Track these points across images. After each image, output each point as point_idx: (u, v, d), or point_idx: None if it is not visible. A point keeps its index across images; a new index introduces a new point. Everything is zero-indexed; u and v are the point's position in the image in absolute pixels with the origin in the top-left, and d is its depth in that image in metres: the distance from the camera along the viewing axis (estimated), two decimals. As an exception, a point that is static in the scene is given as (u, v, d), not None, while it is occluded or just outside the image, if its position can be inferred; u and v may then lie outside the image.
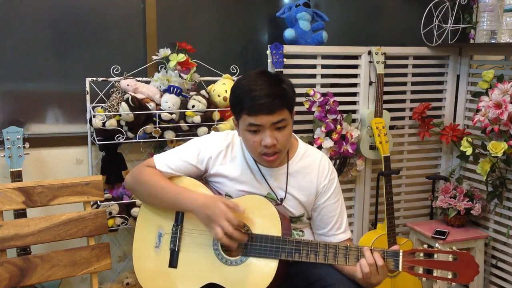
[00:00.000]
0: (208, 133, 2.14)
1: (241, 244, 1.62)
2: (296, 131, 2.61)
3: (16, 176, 2.17)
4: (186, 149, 1.77)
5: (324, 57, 2.65)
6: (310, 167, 1.75)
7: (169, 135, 2.35)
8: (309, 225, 1.83)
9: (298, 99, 2.55)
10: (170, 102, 2.28)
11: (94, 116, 2.23)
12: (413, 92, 2.89)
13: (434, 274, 1.48)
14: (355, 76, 2.74)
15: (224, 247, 1.64)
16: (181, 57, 2.35)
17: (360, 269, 1.51)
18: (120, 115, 2.23)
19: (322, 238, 1.78)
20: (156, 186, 1.69)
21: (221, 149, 1.74)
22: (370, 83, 2.73)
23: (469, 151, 2.59)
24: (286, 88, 1.61)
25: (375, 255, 1.50)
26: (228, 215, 1.53)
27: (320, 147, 2.50)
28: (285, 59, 2.49)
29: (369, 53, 2.69)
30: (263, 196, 1.70)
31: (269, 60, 2.51)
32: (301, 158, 1.76)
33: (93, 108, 2.31)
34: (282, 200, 1.72)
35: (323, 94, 2.53)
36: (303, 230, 1.81)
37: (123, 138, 2.26)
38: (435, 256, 1.49)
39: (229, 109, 2.40)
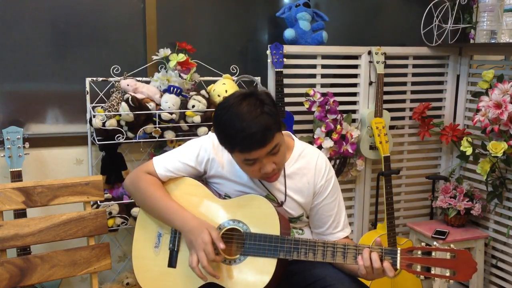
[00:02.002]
0: (208, 133, 2.14)
1: (240, 243, 1.62)
2: (296, 131, 2.61)
3: (16, 176, 2.17)
4: (185, 151, 1.76)
5: (324, 57, 2.65)
6: (307, 168, 1.73)
7: (169, 135, 2.35)
8: (309, 224, 1.83)
9: (298, 99, 2.57)
10: (170, 102, 2.29)
11: (94, 116, 2.23)
12: (413, 92, 2.89)
13: (432, 272, 1.48)
14: (355, 76, 2.74)
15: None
16: (181, 57, 2.35)
17: (359, 269, 1.52)
18: (120, 115, 2.23)
19: (319, 237, 1.78)
20: (151, 198, 1.70)
21: (219, 150, 1.73)
22: (370, 83, 2.73)
23: (469, 151, 2.59)
24: (270, 111, 1.53)
25: (373, 256, 1.50)
26: (207, 247, 1.54)
27: (320, 147, 2.50)
28: (285, 59, 2.49)
29: (369, 53, 2.69)
30: (263, 196, 1.70)
31: (269, 60, 2.51)
32: (297, 159, 1.74)
33: (93, 108, 2.31)
34: (282, 203, 1.72)
35: (323, 94, 2.53)
36: (303, 229, 1.81)
37: (123, 138, 2.26)
38: (433, 254, 1.49)
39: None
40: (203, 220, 1.64)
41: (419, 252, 1.49)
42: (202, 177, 1.80)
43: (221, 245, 1.56)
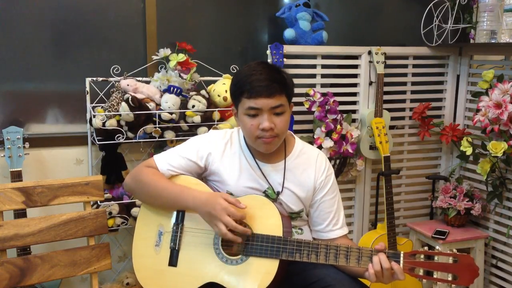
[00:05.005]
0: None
1: (243, 242, 1.62)
2: (296, 131, 2.61)
3: (16, 176, 2.17)
4: (186, 146, 1.78)
5: (324, 57, 2.65)
6: (307, 163, 1.77)
7: (169, 135, 2.35)
8: (308, 223, 1.84)
9: (298, 99, 2.56)
10: (170, 102, 2.29)
11: (94, 116, 2.23)
12: (413, 92, 2.89)
13: (434, 276, 1.48)
14: (355, 76, 2.74)
15: (225, 246, 1.65)
16: (181, 57, 2.35)
17: (368, 277, 1.53)
18: (120, 115, 2.23)
19: (319, 235, 1.79)
20: (156, 186, 1.70)
21: (220, 145, 1.76)
22: (370, 83, 2.73)
23: (469, 151, 2.59)
24: (285, 77, 1.66)
25: (381, 257, 1.50)
26: (230, 209, 1.55)
27: (320, 147, 2.50)
28: (285, 59, 2.49)
29: (369, 53, 2.69)
30: (263, 195, 1.71)
31: (269, 60, 2.51)
32: (298, 154, 1.78)
33: (93, 108, 2.31)
34: (278, 193, 1.73)
35: (323, 94, 2.53)
36: (302, 228, 1.81)
37: (123, 138, 2.26)
38: (436, 258, 1.49)
39: (229, 109, 2.43)
40: (212, 191, 1.67)
41: (422, 256, 1.50)
42: (202, 175, 1.81)
43: (242, 205, 1.58)
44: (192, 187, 1.72)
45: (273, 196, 1.73)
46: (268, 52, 2.49)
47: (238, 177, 1.74)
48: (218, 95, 2.41)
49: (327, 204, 1.77)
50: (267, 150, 1.70)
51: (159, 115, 2.28)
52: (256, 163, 1.74)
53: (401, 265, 1.50)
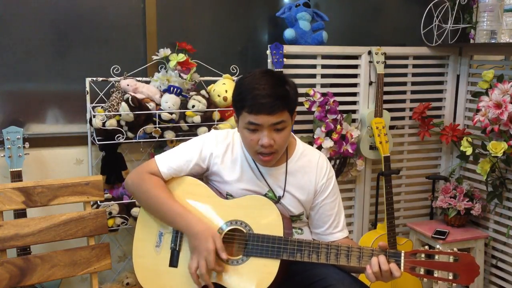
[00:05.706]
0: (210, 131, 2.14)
1: (242, 244, 1.62)
2: (296, 131, 2.61)
3: (16, 176, 2.17)
4: (188, 147, 1.77)
5: (324, 57, 2.65)
6: (309, 166, 1.76)
7: (169, 135, 2.35)
8: (308, 224, 1.84)
9: (298, 99, 2.56)
10: (170, 102, 2.29)
11: (94, 116, 2.23)
12: (413, 92, 2.89)
13: (435, 275, 1.48)
14: (355, 76, 2.74)
15: (225, 246, 1.64)
16: (181, 57, 2.35)
17: (367, 277, 1.52)
18: (120, 115, 2.23)
19: (319, 237, 1.79)
20: (155, 200, 1.69)
21: (221, 147, 1.75)
22: (370, 83, 2.73)
23: (469, 151, 2.59)
24: (289, 90, 1.61)
25: (381, 259, 1.50)
26: (209, 257, 1.55)
27: (320, 147, 2.50)
28: (285, 59, 2.49)
29: (369, 53, 2.69)
30: (264, 195, 1.71)
31: (269, 60, 2.51)
32: (299, 157, 1.77)
33: (93, 108, 2.31)
34: (280, 198, 1.73)
35: (323, 94, 2.53)
36: (302, 229, 1.81)
37: (123, 138, 2.26)
38: (436, 257, 1.49)
39: (229, 109, 2.43)
40: (208, 225, 1.64)
41: (422, 255, 1.50)
42: (203, 175, 1.80)
43: (224, 256, 1.57)
44: (192, 189, 1.73)
45: (274, 199, 1.73)
46: (268, 52, 2.49)
47: (239, 179, 1.73)
48: (218, 95, 2.41)
49: (328, 207, 1.77)
50: (265, 165, 1.70)
51: (159, 115, 2.28)
52: (257, 165, 1.73)
53: (402, 264, 1.50)
